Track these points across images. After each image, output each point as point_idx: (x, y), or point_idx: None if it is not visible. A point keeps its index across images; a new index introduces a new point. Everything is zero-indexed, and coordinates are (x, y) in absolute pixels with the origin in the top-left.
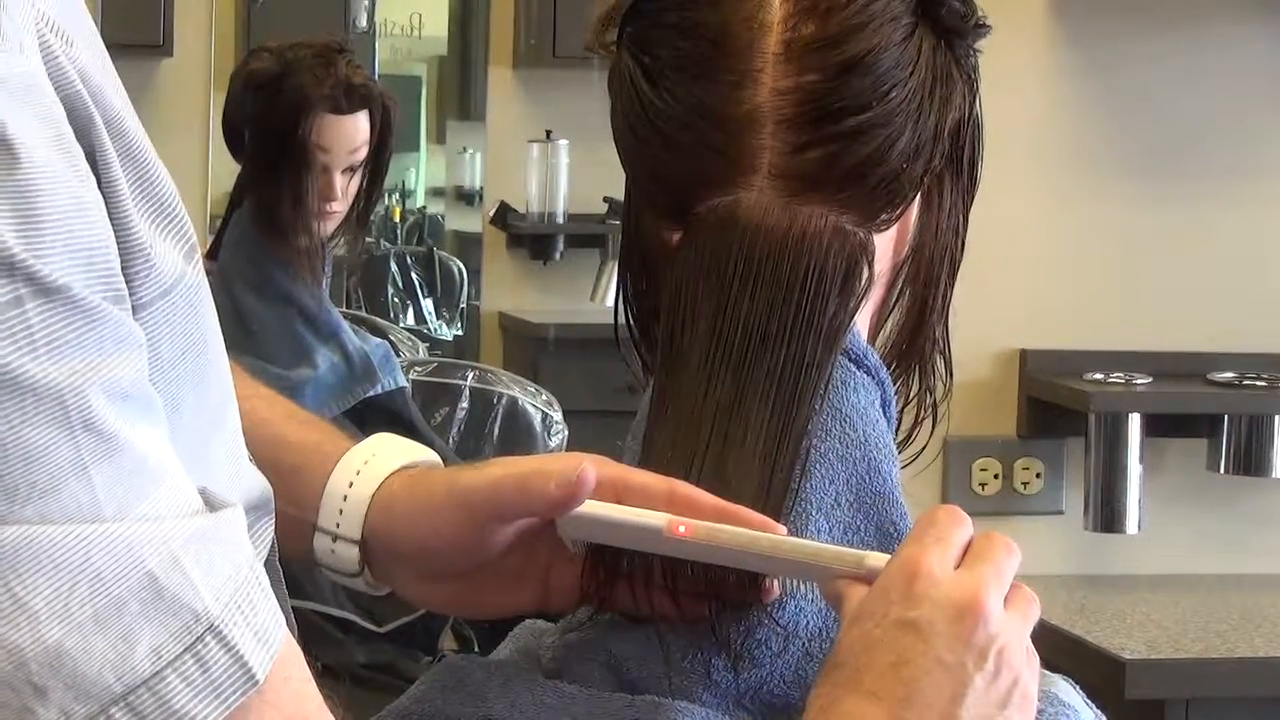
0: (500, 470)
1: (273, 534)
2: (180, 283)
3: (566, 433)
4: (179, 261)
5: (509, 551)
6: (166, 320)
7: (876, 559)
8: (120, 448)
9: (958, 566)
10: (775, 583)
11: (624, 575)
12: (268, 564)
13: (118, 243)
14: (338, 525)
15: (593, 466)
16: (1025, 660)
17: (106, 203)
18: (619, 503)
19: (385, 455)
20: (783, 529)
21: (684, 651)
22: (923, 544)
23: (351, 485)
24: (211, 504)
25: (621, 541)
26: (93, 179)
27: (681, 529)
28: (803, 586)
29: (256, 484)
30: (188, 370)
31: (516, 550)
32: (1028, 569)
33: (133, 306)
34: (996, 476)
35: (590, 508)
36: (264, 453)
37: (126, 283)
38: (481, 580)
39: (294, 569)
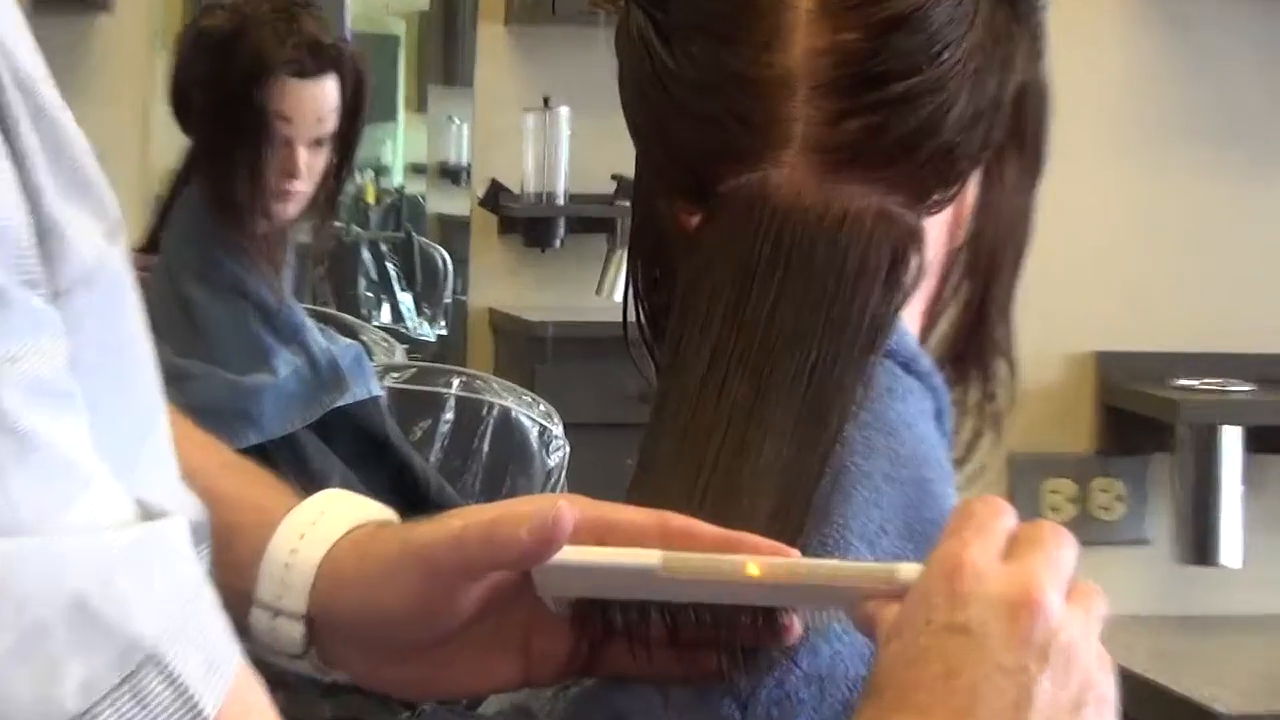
0: (460, 521)
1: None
2: (103, 267)
3: (568, 449)
4: (100, 243)
5: (480, 616)
6: (88, 310)
7: (909, 570)
8: (38, 447)
9: (1004, 560)
10: (796, 620)
11: (619, 632)
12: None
13: (31, 219)
14: (279, 598)
15: (569, 506)
16: (1096, 661)
17: (17, 171)
18: (602, 545)
19: (335, 515)
20: (796, 553)
21: (695, 709)
22: (961, 538)
23: (295, 551)
24: (149, 513)
25: (611, 591)
26: (2, 144)
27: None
28: (838, 626)
29: (193, 507)
30: (112, 368)
31: (488, 614)
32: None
33: (49, 293)
34: (1070, 500)
35: (569, 554)
36: None
37: (41, 265)
38: (450, 654)
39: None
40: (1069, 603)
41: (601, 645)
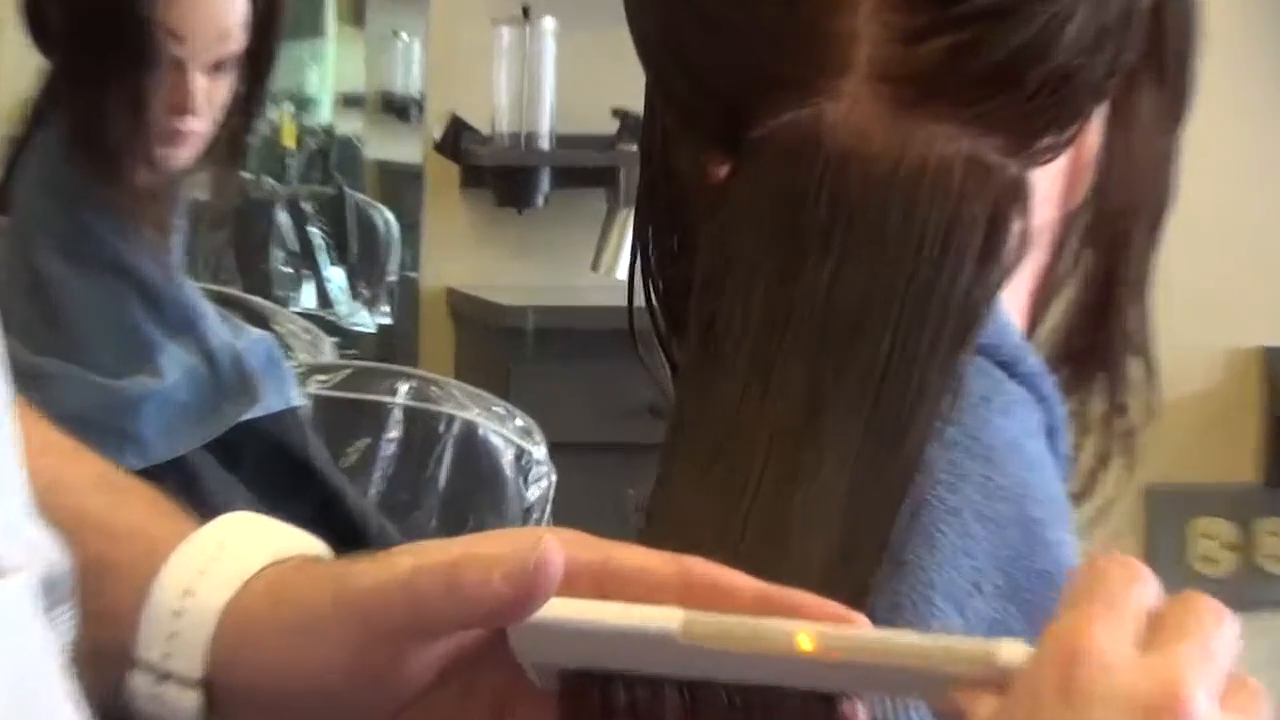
0: (412, 561)
1: (73, 630)
2: None
3: (554, 478)
4: None
5: (438, 684)
6: None
7: (1014, 651)
8: None
9: (1140, 647)
10: (860, 710)
11: (621, 714)
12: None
13: None
14: (166, 657)
15: (557, 545)
16: None
17: None
18: (602, 598)
19: (243, 546)
20: (862, 619)
21: None
22: (1084, 613)
23: (189, 594)
24: None
25: (613, 660)
26: None
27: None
28: (916, 718)
29: (50, 551)
30: None
31: (450, 681)
32: (1277, 687)
33: None
34: (1228, 546)
35: (558, 609)
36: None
37: None
38: None
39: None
40: (1224, 709)
41: None
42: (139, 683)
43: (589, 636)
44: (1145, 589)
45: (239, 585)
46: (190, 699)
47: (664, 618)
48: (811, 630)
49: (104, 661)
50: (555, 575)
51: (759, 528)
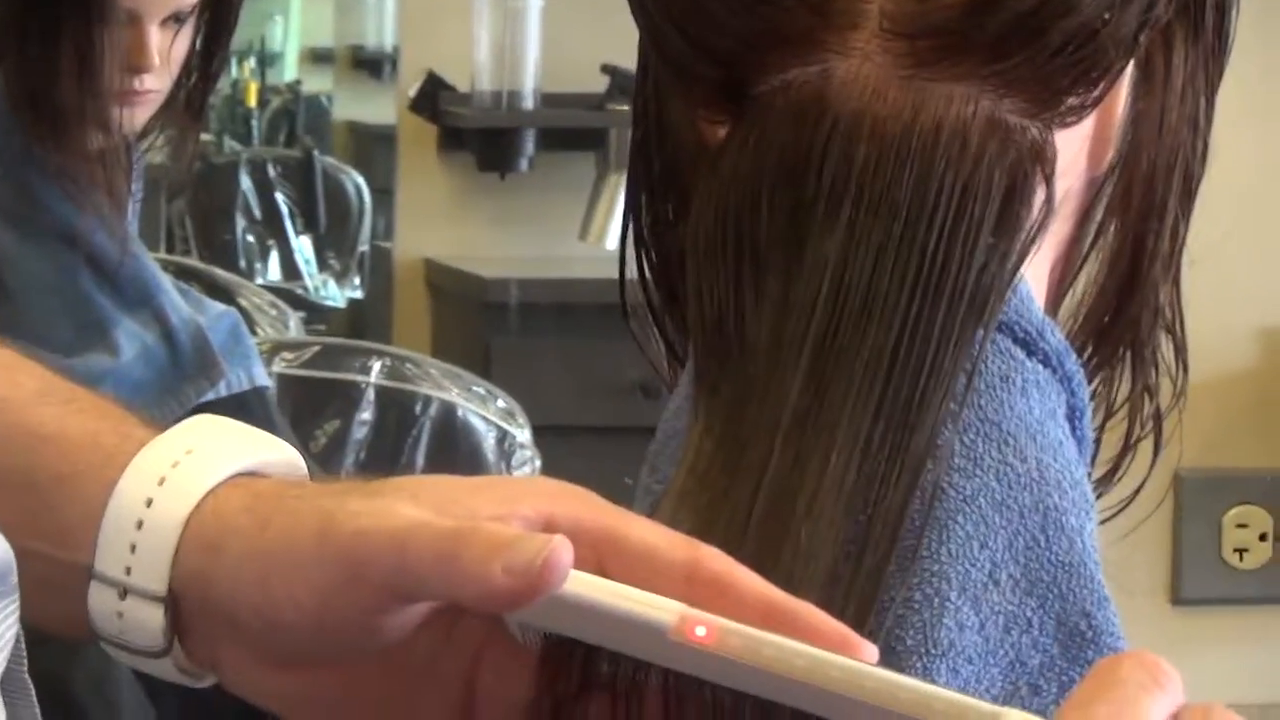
0: (410, 514)
1: (16, 627)
2: None
3: (539, 464)
4: None
5: (415, 635)
6: None
7: None
8: None
9: None
10: None
11: (603, 686)
12: (8, 677)
13: None
14: (127, 570)
15: (569, 546)
16: None
17: None
18: (603, 573)
19: (212, 452)
20: (869, 650)
21: None
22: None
23: (151, 503)
24: None
25: (599, 639)
26: None
27: (700, 631)
28: None
29: None
30: None
31: (426, 633)
32: None
33: None
34: (1264, 538)
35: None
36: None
37: None
38: (367, 676)
39: (76, 687)
40: None
41: (574, 703)
42: (99, 599)
43: (581, 611)
44: (1167, 695)
45: (204, 493)
46: (155, 616)
47: (659, 608)
48: (808, 653)
49: (61, 582)
50: (560, 579)
51: (766, 516)
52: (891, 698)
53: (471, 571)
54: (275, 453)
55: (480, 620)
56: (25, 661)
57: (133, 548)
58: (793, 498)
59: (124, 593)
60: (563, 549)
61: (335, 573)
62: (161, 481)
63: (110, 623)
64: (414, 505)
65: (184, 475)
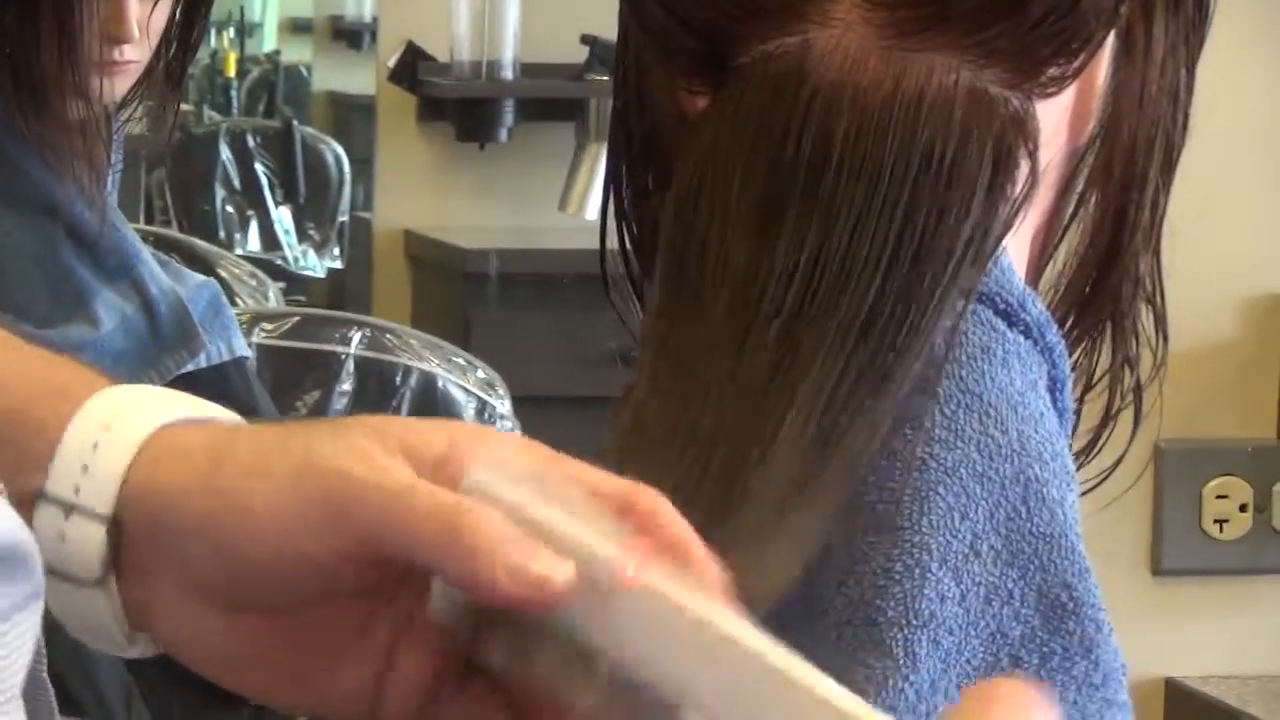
0: (398, 467)
1: (38, 631)
2: None
3: (519, 434)
4: None
5: (352, 590)
6: None
7: None
8: None
9: None
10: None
11: (492, 665)
12: (32, 679)
13: None
14: (76, 490)
15: (573, 575)
16: None
17: None
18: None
19: (170, 395)
20: (724, 587)
21: None
22: None
23: (109, 429)
24: None
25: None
26: None
27: (630, 571)
28: None
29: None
30: None
31: (365, 594)
32: None
33: None
34: (1244, 509)
35: (508, 494)
36: None
37: None
38: (296, 633)
39: (54, 652)
40: None
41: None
42: (45, 519)
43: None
44: None
45: (162, 423)
46: (96, 535)
47: (600, 542)
48: (695, 611)
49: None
50: (557, 602)
51: (720, 468)
52: (766, 674)
53: (469, 563)
54: (230, 416)
55: (410, 595)
56: (45, 662)
57: (85, 469)
58: (746, 448)
59: (69, 511)
60: (563, 579)
61: (312, 510)
62: (121, 411)
63: (51, 545)
64: (383, 447)
65: (141, 409)
